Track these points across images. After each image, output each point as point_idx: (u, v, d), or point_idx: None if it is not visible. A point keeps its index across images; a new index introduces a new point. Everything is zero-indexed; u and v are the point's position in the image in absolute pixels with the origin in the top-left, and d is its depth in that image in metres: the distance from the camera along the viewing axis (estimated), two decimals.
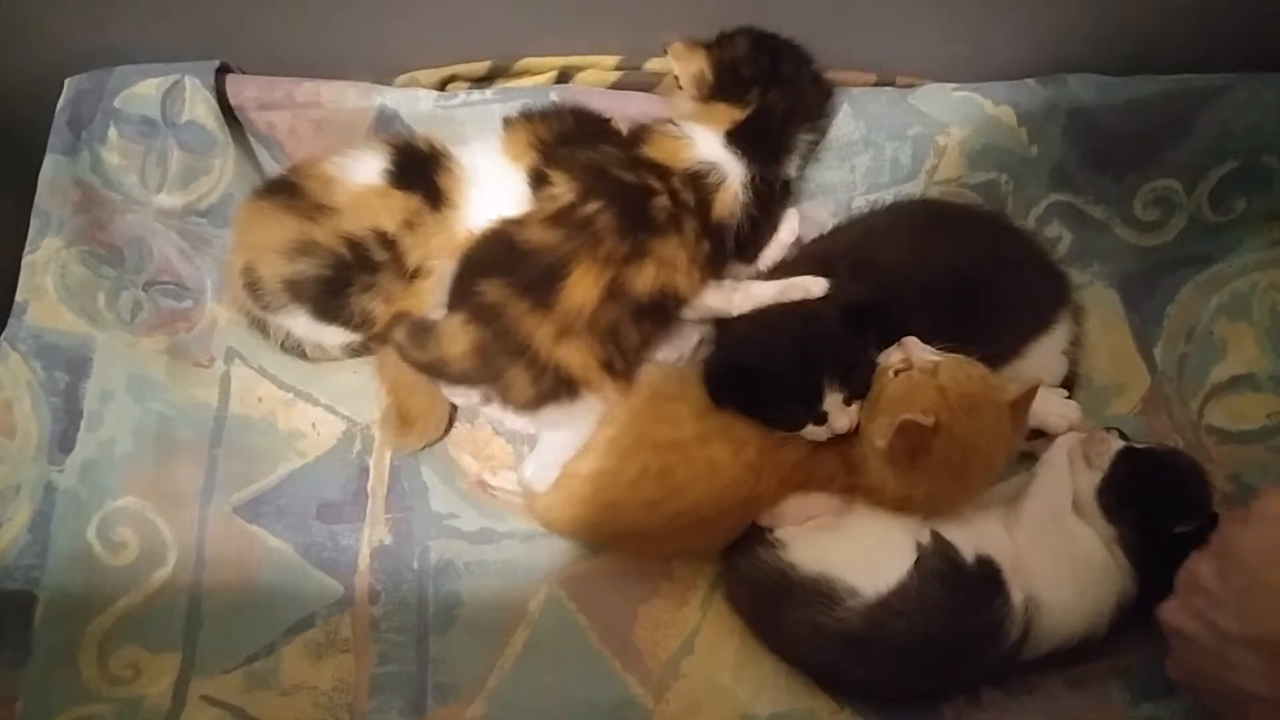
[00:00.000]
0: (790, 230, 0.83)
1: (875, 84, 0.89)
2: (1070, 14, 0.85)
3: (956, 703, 0.72)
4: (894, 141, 0.87)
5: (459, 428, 0.85)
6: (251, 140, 0.89)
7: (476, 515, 0.81)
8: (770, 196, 0.79)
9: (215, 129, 0.84)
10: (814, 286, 0.74)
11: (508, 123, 0.83)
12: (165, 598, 0.76)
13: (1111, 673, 0.73)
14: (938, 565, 0.69)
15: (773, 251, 0.82)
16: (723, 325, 0.78)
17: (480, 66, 0.89)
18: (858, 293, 0.73)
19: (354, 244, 0.78)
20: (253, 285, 0.79)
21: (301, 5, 0.83)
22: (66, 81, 0.84)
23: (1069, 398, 0.83)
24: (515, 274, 0.70)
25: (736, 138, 0.76)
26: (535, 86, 0.88)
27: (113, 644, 0.74)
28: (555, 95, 0.86)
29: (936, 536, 0.70)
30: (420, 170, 0.80)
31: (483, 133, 0.84)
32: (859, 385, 0.71)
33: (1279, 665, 0.55)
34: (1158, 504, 0.70)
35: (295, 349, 0.86)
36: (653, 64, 0.87)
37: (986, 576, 0.69)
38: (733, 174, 0.76)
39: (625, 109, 0.84)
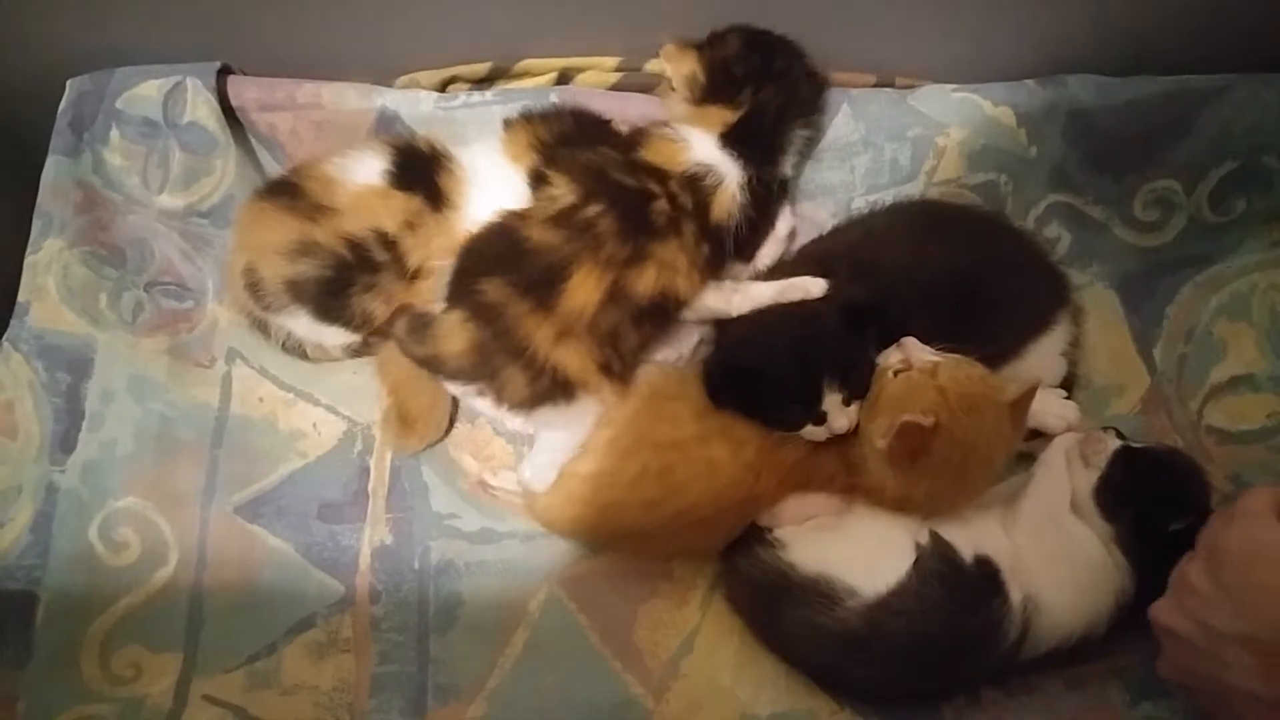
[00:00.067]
0: (785, 226, 0.83)
1: (875, 85, 0.89)
2: (1070, 15, 0.85)
3: (956, 703, 0.73)
4: (893, 142, 0.87)
5: (459, 428, 0.85)
6: (253, 141, 0.89)
7: (477, 515, 0.81)
8: (767, 197, 0.79)
9: (217, 130, 0.84)
10: (813, 287, 0.74)
11: (508, 124, 0.83)
12: (167, 598, 0.76)
13: (1110, 673, 0.73)
14: (937, 565, 0.69)
15: (770, 250, 0.82)
16: (722, 326, 0.78)
17: (480, 68, 0.89)
18: (857, 293, 0.73)
19: (355, 245, 0.78)
20: (254, 286, 0.80)
21: (302, 6, 0.83)
22: (68, 83, 0.84)
23: (1068, 398, 0.83)
24: (517, 273, 0.70)
25: (731, 140, 0.77)
26: (535, 88, 0.88)
27: (114, 644, 0.74)
28: (555, 97, 0.86)
29: (935, 536, 0.70)
30: (421, 171, 0.80)
31: (483, 134, 0.84)
32: (858, 385, 0.71)
33: (1271, 663, 0.55)
34: (1155, 503, 0.70)
35: (296, 349, 0.86)
36: (653, 65, 0.87)
37: (985, 576, 0.69)
38: (729, 176, 0.76)
39: (625, 110, 0.85)
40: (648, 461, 0.73)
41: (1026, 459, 0.77)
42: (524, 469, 0.79)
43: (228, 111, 0.85)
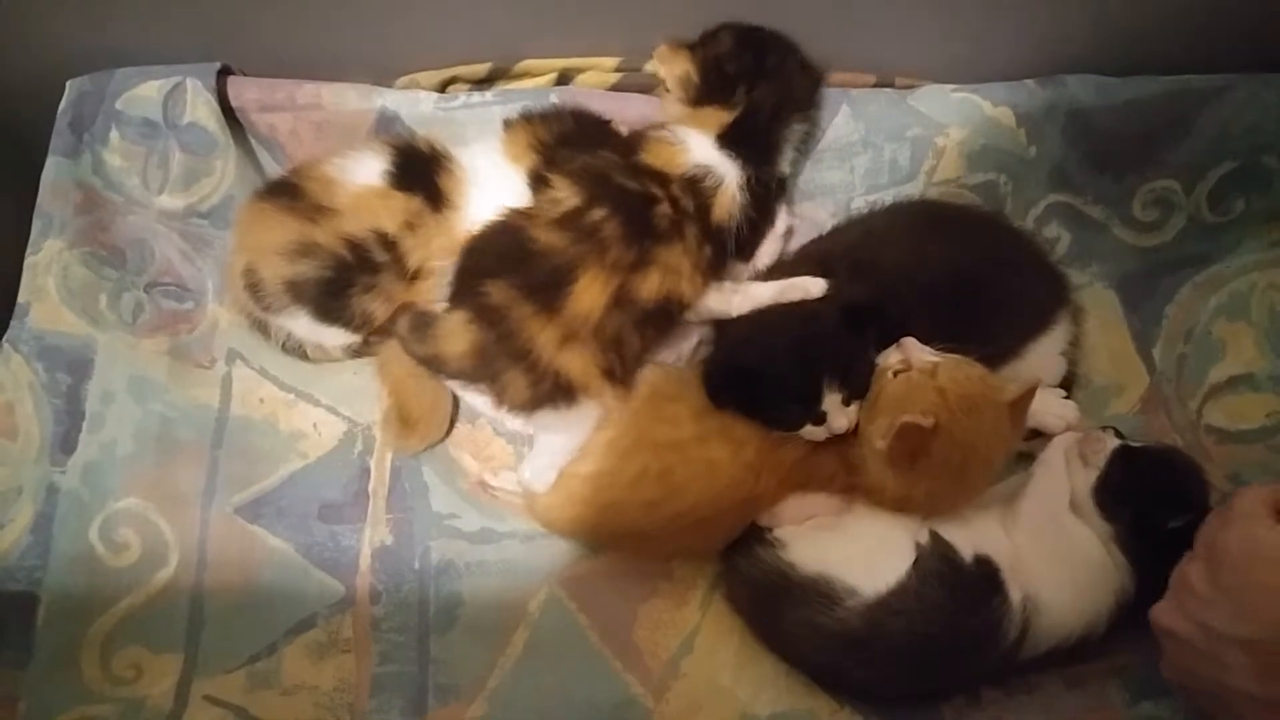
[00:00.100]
0: (783, 225, 0.83)
1: (874, 85, 0.89)
2: (1070, 15, 0.85)
3: (956, 702, 0.73)
4: (893, 142, 0.87)
5: (460, 428, 0.85)
6: (253, 142, 0.89)
7: (477, 515, 0.82)
8: (767, 196, 0.79)
9: (216, 131, 0.84)
10: (813, 287, 0.74)
11: (508, 124, 0.83)
12: (167, 598, 0.76)
13: (1110, 672, 0.73)
14: (936, 565, 0.69)
15: (769, 249, 0.82)
16: (721, 326, 0.78)
17: (480, 68, 0.89)
18: (857, 293, 0.73)
19: (355, 245, 0.78)
20: (254, 286, 0.80)
21: (302, 7, 0.83)
22: (68, 83, 0.84)
23: (1067, 398, 0.83)
24: (522, 276, 0.70)
25: (728, 140, 0.76)
26: (535, 88, 0.88)
27: (115, 644, 0.74)
28: (555, 97, 0.86)
29: (935, 536, 0.70)
30: (421, 171, 0.80)
31: (483, 134, 0.84)
32: (858, 386, 0.71)
33: (1269, 663, 0.55)
34: (1154, 501, 0.70)
35: (296, 350, 0.86)
36: (652, 66, 0.87)
37: (985, 576, 0.69)
38: (729, 177, 0.76)
39: (625, 111, 0.85)
40: (647, 462, 0.73)
41: (1026, 458, 0.77)
42: (523, 470, 0.79)
43: (228, 112, 0.85)
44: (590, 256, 0.70)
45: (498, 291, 0.70)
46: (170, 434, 0.82)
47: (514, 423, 0.82)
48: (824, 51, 0.82)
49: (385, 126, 0.86)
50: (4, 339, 0.81)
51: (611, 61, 0.88)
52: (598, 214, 0.71)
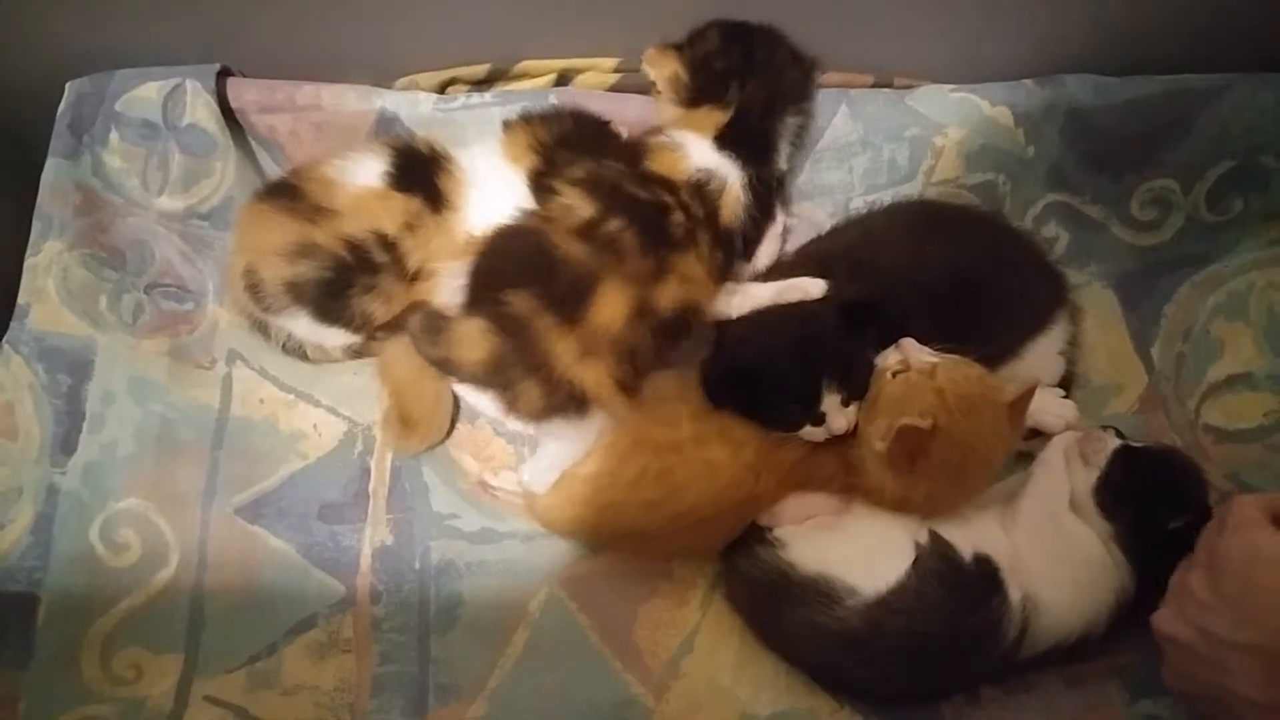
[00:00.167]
0: (781, 224, 0.83)
1: (873, 85, 0.90)
2: (1068, 15, 0.86)
3: (955, 701, 0.73)
4: (891, 143, 0.87)
5: (460, 428, 0.85)
6: (252, 143, 0.89)
7: (477, 515, 0.82)
8: (769, 195, 0.79)
9: (216, 132, 0.84)
10: (812, 288, 0.74)
11: (507, 125, 0.83)
12: (167, 599, 0.76)
13: (1109, 671, 0.73)
14: (936, 564, 0.69)
15: (768, 249, 0.82)
16: (720, 326, 0.78)
17: (480, 69, 0.89)
18: (855, 292, 0.73)
19: (354, 246, 0.78)
20: (254, 287, 0.80)
21: (302, 8, 0.83)
22: (67, 85, 0.85)
23: (1066, 397, 0.84)
24: (545, 286, 0.69)
25: (726, 141, 0.77)
26: (534, 89, 0.88)
27: (115, 645, 0.74)
28: (554, 98, 0.86)
29: (935, 536, 0.70)
30: (420, 172, 0.80)
31: (483, 135, 0.84)
32: (857, 386, 0.71)
33: (1274, 669, 0.55)
34: (1154, 501, 0.70)
35: (296, 351, 0.87)
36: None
37: (984, 575, 0.69)
38: (731, 178, 0.76)
39: (624, 112, 0.85)
40: (647, 463, 0.73)
41: (1025, 458, 0.77)
42: (524, 472, 0.79)
43: (227, 113, 0.85)
44: (610, 268, 0.69)
45: (519, 301, 0.69)
46: (170, 434, 0.82)
47: (517, 424, 0.82)
48: (822, 51, 0.82)
49: (385, 127, 0.86)
50: (4, 340, 0.81)
51: (610, 62, 0.89)
52: (614, 224, 0.70)
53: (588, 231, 0.70)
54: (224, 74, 0.85)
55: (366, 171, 0.80)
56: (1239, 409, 0.87)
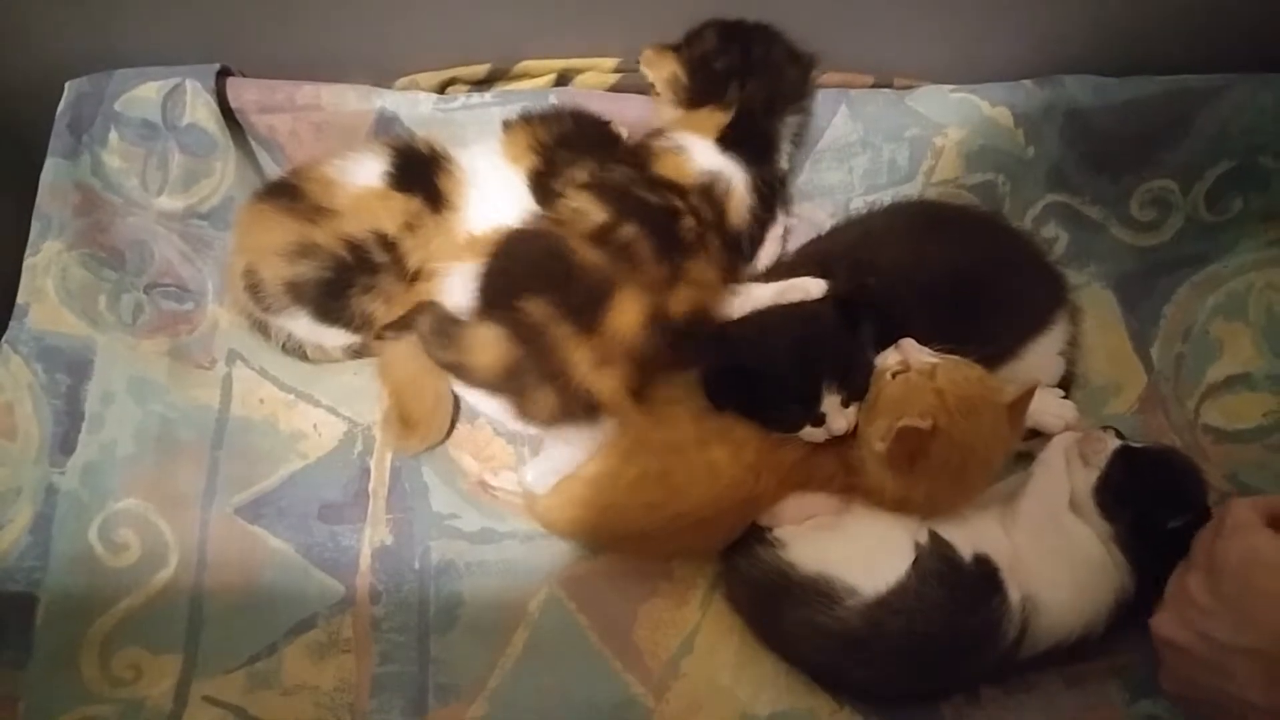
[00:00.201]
0: (782, 224, 0.83)
1: (873, 85, 0.90)
2: (1068, 15, 0.86)
3: (955, 701, 0.73)
4: (891, 143, 0.87)
5: (460, 428, 0.85)
6: (252, 143, 0.89)
7: (477, 516, 0.81)
8: (772, 195, 0.79)
9: (216, 132, 0.84)
10: (813, 288, 0.74)
11: (507, 125, 0.83)
12: (167, 599, 0.76)
13: (1109, 671, 0.73)
14: (936, 565, 0.69)
15: (769, 249, 0.83)
16: (721, 327, 0.78)
17: (480, 69, 0.89)
18: (850, 288, 0.73)
19: (354, 246, 0.78)
20: (254, 287, 0.80)
21: (302, 8, 0.83)
22: (67, 85, 0.85)
23: (1066, 398, 0.84)
24: (562, 294, 0.68)
25: (729, 142, 0.76)
26: (534, 89, 0.88)
27: (114, 645, 0.74)
28: (554, 98, 0.86)
29: (934, 536, 0.70)
30: (420, 172, 0.80)
31: (482, 135, 0.84)
32: (857, 387, 0.71)
33: (1274, 673, 0.55)
34: (1154, 501, 0.70)
35: (296, 351, 0.87)
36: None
37: (984, 575, 0.69)
38: (736, 180, 0.76)
39: (624, 112, 0.85)
40: (648, 464, 0.73)
41: (1025, 458, 0.77)
42: (527, 472, 0.79)
43: (227, 113, 0.85)
44: (625, 275, 0.68)
45: (536, 309, 0.68)
46: (170, 435, 0.82)
47: (521, 427, 0.82)
48: (822, 52, 0.82)
49: (384, 127, 0.86)
50: (3, 340, 0.81)
51: (610, 62, 0.89)
52: (628, 230, 0.70)
53: (601, 237, 0.70)
54: (224, 74, 0.85)
55: (366, 171, 0.80)
56: (1238, 409, 0.87)
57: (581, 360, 0.68)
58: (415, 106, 0.86)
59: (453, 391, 0.83)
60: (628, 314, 0.68)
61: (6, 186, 0.86)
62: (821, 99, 0.87)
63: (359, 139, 0.86)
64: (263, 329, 0.85)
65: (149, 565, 0.77)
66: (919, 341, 0.72)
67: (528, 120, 0.83)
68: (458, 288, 0.73)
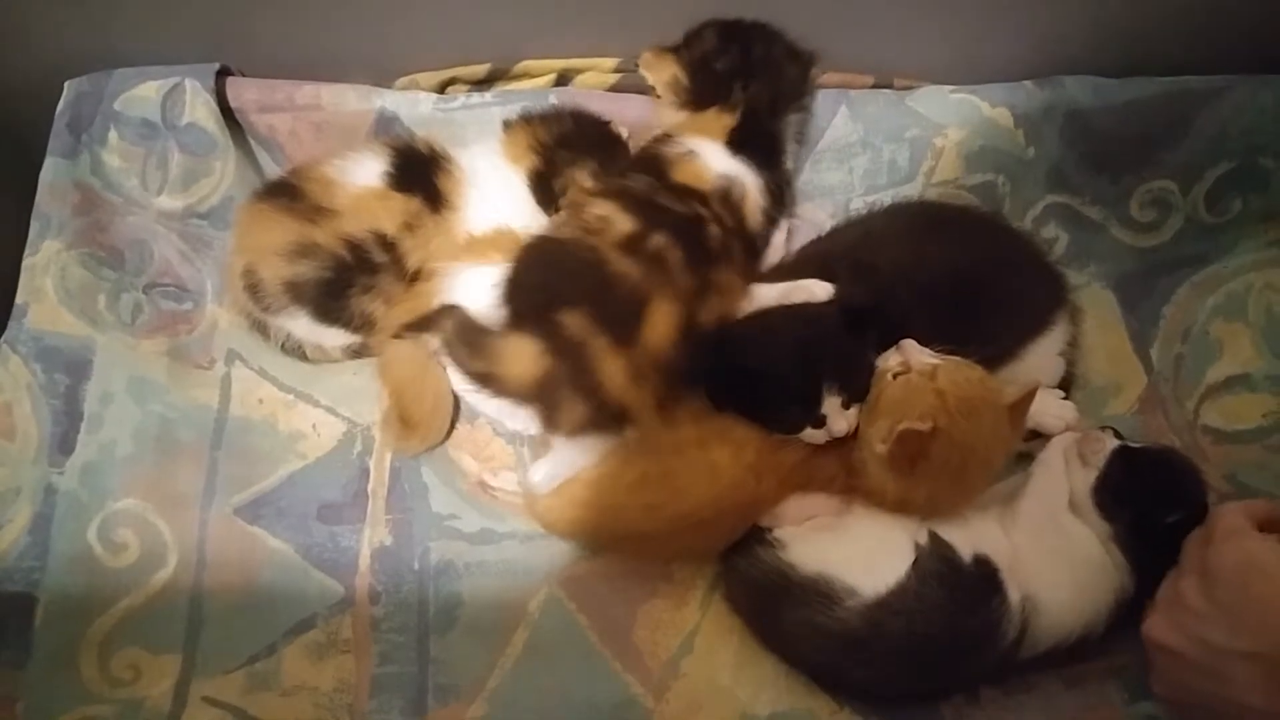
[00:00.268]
0: (784, 225, 0.83)
1: (873, 86, 0.90)
2: (1068, 16, 0.86)
3: (955, 702, 0.73)
4: (891, 143, 0.87)
5: (459, 429, 0.85)
6: (252, 143, 0.89)
7: (477, 516, 0.81)
8: (781, 194, 0.79)
9: (215, 131, 0.84)
10: (818, 290, 0.74)
11: (507, 125, 0.83)
12: (166, 599, 0.76)
13: (1109, 672, 0.73)
14: (936, 565, 0.69)
15: (775, 248, 0.82)
16: (721, 328, 0.78)
17: (480, 69, 0.89)
18: (857, 295, 0.73)
19: (354, 246, 0.78)
20: (253, 287, 0.80)
21: (301, 8, 0.83)
22: (66, 84, 0.85)
23: (1066, 398, 0.84)
24: (601, 307, 0.67)
25: (738, 145, 0.76)
26: (534, 89, 0.88)
27: (114, 645, 0.74)
28: (554, 98, 0.86)
29: (934, 537, 0.70)
30: (420, 172, 0.81)
31: (482, 135, 0.84)
32: (858, 389, 0.71)
33: (1276, 676, 0.55)
34: (1153, 501, 0.70)
35: (296, 351, 0.87)
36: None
37: (984, 576, 0.69)
38: (749, 182, 0.76)
39: (624, 112, 0.85)
40: (648, 465, 0.73)
41: (1025, 459, 0.77)
42: (534, 473, 0.78)
43: (227, 113, 0.85)
44: (659, 286, 0.67)
45: (574, 322, 0.66)
46: (169, 435, 0.82)
47: (517, 424, 0.82)
48: (822, 52, 0.82)
49: (384, 127, 0.86)
50: (2, 339, 0.80)
51: (610, 62, 0.89)
52: (658, 240, 0.69)
53: (631, 246, 0.68)
54: (223, 73, 0.85)
55: (366, 171, 0.80)
56: (1238, 410, 0.87)
57: (617, 373, 0.67)
58: (415, 106, 0.86)
59: (452, 392, 0.83)
60: (662, 325, 0.67)
61: (6, 186, 0.86)
62: (821, 99, 0.87)
63: (359, 139, 0.86)
64: (262, 329, 0.85)
65: (148, 565, 0.77)
66: (919, 342, 0.72)
67: (528, 120, 0.83)
68: (470, 290, 0.72)
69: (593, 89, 0.89)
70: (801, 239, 0.87)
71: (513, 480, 0.82)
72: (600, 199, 0.72)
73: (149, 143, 0.84)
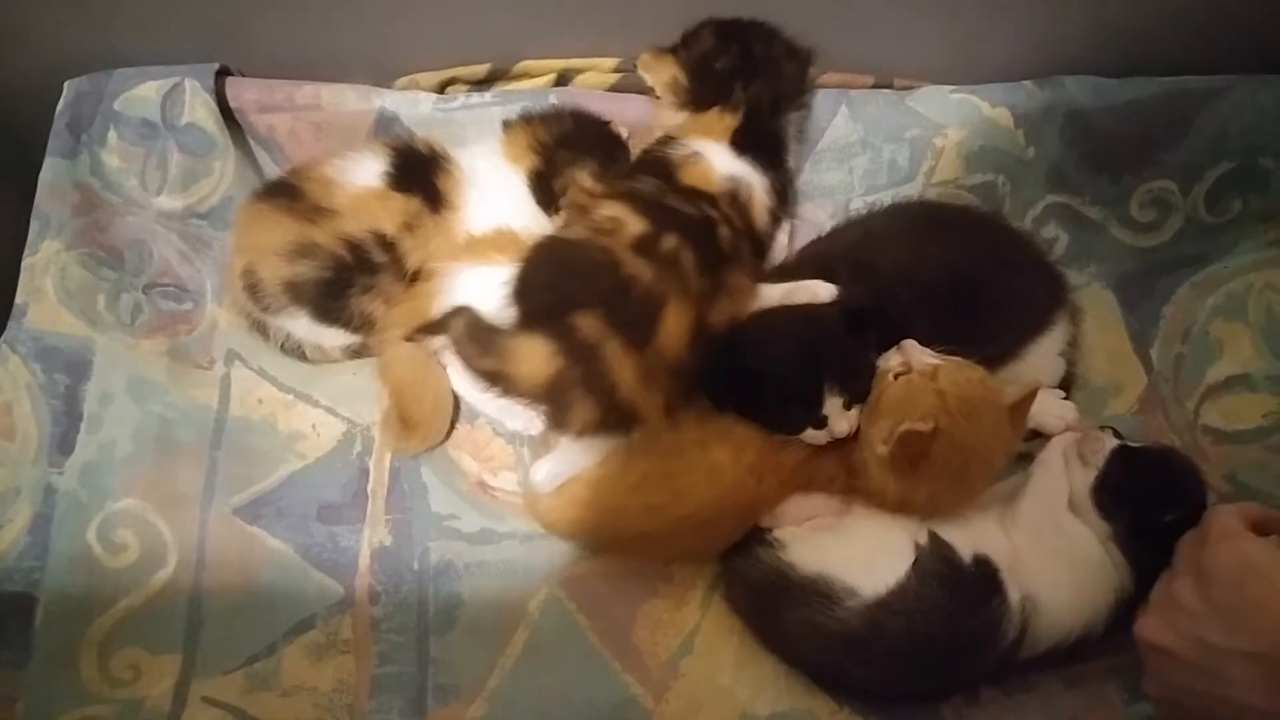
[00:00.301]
0: (786, 225, 0.83)
1: (873, 86, 0.90)
2: (1068, 16, 0.86)
3: (955, 702, 0.73)
4: (891, 143, 0.87)
5: (459, 429, 0.85)
6: (251, 143, 0.89)
7: (476, 516, 0.81)
8: (785, 194, 0.79)
9: (215, 131, 0.84)
10: (822, 291, 0.74)
11: (507, 125, 0.83)
12: (166, 599, 0.76)
13: (1108, 672, 0.73)
14: (936, 565, 0.69)
15: (778, 248, 0.82)
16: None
17: (479, 69, 0.89)
18: (858, 295, 0.73)
19: (354, 246, 0.78)
20: (253, 287, 0.80)
21: (301, 8, 0.83)
22: (66, 84, 0.85)
23: (1066, 398, 0.84)
24: (614, 308, 0.66)
25: (742, 146, 0.76)
26: (534, 89, 0.88)
27: (113, 645, 0.74)
28: (554, 98, 0.86)
29: (934, 537, 0.70)
30: (420, 173, 0.81)
31: (482, 135, 0.84)
32: (859, 389, 0.71)
33: (1277, 674, 0.55)
34: (1152, 500, 0.70)
35: (295, 351, 0.87)
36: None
37: (984, 576, 0.69)
38: (755, 183, 0.76)
39: (624, 112, 0.85)
40: (649, 466, 0.73)
41: (1025, 459, 0.77)
42: (536, 471, 0.78)
43: (226, 113, 0.85)
44: (674, 288, 0.67)
45: (588, 325, 0.65)
46: (169, 435, 0.82)
47: (518, 424, 0.82)
48: (823, 52, 0.82)
49: (384, 127, 0.86)
50: (2, 339, 0.80)
51: (610, 62, 0.89)
52: (670, 242, 0.68)
53: (645, 248, 0.68)
54: (223, 73, 0.85)
55: (366, 171, 0.80)
56: (1238, 410, 0.87)
57: (629, 374, 0.66)
58: (415, 106, 0.86)
59: (452, 392, 0.83)
60: (676, 328, 0.67)
61: (6, 186, 0.86)
62: (821, 99, 0.87)
63: (358, 139, 0.86)
64: (262, 329, 0.85)
65: (148, 565, 0.77)
66: (920, 342, 0.72)
67: (528, 120, 0.83)
68: (470, 290, 0.72)
69: (593, 89, 0.89)
70: (802, 239, 0.87)
71: (512, 480, 0.82)
72: (609, 200, 0.72)
73: (148, 143, 0.84)
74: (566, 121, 0.83)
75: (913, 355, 0.71)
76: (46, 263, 0.82)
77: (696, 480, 0.72)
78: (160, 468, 0.80)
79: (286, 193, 0.80)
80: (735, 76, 0.77)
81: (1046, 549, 0.71)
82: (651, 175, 0.75)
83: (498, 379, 0.68)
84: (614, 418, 0.68)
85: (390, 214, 0.79)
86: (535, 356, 0.66)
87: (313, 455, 0.83)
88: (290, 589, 0.77)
